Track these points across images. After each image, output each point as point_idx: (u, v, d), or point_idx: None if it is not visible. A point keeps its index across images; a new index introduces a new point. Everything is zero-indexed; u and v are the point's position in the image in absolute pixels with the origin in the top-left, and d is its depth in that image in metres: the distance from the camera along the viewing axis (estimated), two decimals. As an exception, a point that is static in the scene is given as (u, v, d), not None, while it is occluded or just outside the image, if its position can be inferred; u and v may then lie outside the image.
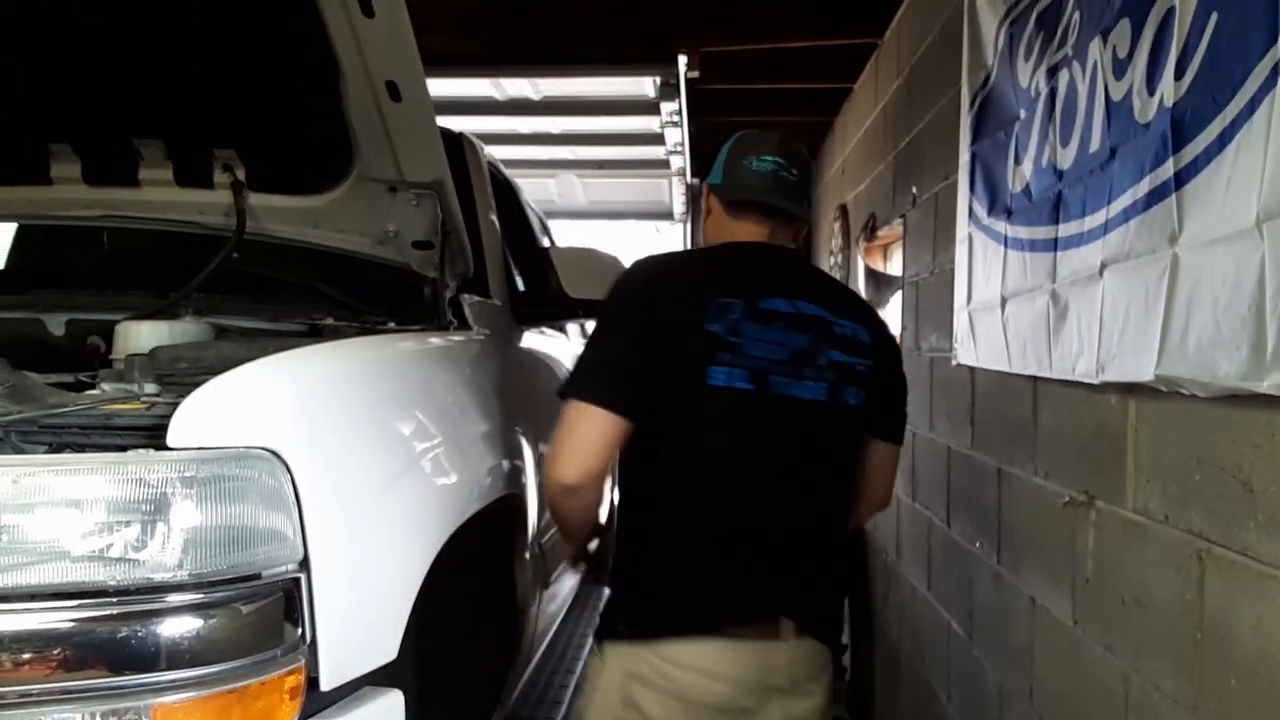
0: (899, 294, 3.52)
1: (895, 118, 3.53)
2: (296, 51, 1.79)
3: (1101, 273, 1.60)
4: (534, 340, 2.55)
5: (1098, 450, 1.64)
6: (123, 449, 1.04)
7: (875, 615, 3.69)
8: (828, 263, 5.08)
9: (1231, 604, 1.22)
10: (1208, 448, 1.28)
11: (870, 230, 3.94)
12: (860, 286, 4.10)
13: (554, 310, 2.55)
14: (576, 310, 2.51)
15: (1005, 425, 2.15)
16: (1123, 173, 1.54)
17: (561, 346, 2.86)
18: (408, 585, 1.29)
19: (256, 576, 1.02)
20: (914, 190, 3.15)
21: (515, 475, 2.03)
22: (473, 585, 2.02)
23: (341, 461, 1.18)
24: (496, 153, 4.73)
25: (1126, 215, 1.52)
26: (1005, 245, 2.10)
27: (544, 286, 2.47)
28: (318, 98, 1.79)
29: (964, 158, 2.46)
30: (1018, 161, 2.06)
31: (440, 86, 4.32)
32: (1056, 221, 1.83)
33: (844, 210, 4.63)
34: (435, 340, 1.80)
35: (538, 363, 2.49)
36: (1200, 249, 1.29)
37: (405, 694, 1.42)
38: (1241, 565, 1.20)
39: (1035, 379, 1.95)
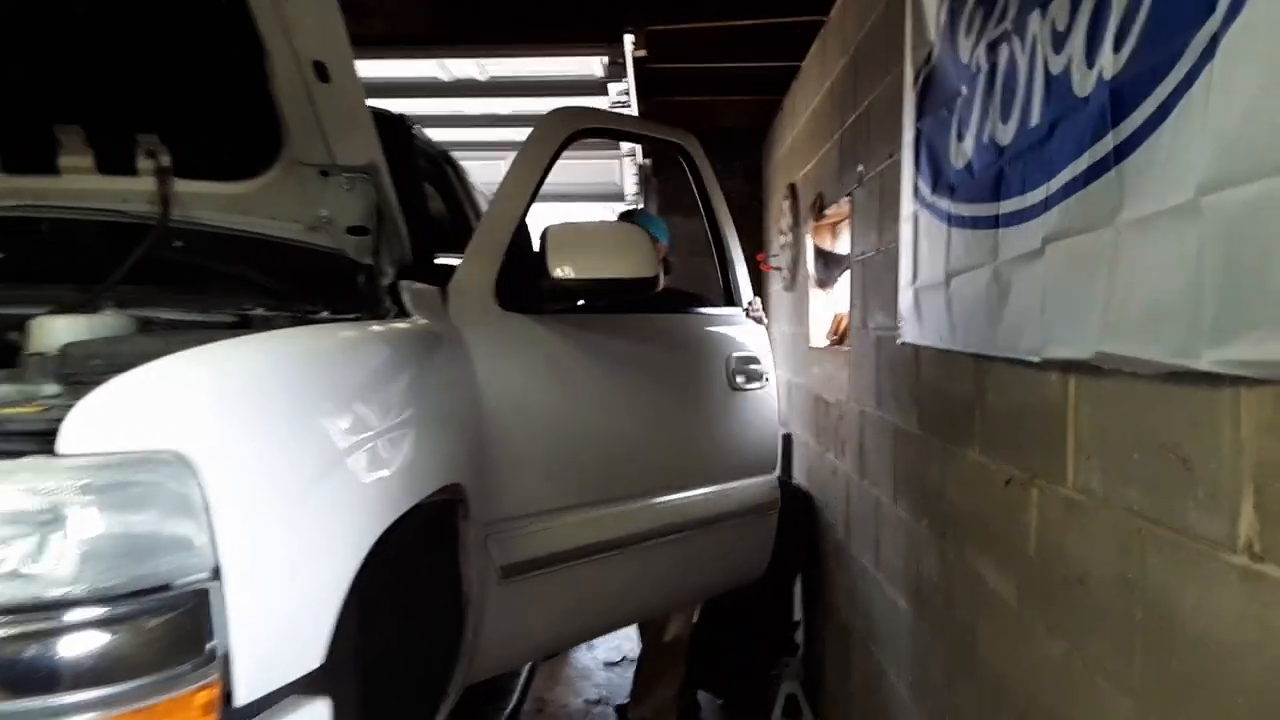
0: (847, 273, 3.51)
1: (842, 96, 3.51)
2: (220, 32, 1.72)
3: (1043, 250, 1.58)
4: (527, 329, 2.41)
5: (1039, 429, 1.63)
6: (16, 455, 0.97)
7: (826, 592, 3.70)
8: (777, 242, 5.06)
9: (1172, 584, 1.21)
10: (1147, 426, 1.27)
11: (818, 209, 3.92)
12: (810, 265, 4.09)
13: (551, 294, 2.42)
14: (596, 292, 2.40)
15: (950, 404, 2.14)
16: (1063, 148, 1.52)
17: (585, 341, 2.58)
18: (334, 588, 1.24)
19: (164, 588, 0.96)
20: (860, 169, 3.13)
21: (458, 464, 1.98)
22: (415, 578, 1.97)
23: (258, 462, 1.11)
24: (444, 135, 4.66)
25: (1067, 191, 1.50)
26: (949, 223, 2.08)
27: (534, 270, 2.37)
28: (243, 80, 1.73)
29: (908, 135, 2.44)
30: (960, 138, 2.04)
31: (383, 68, 4.24)
32: (998, 198, 1.81)
33: (793, 189, 4.62)
34: (367, 329, 1.74)
35: (515, 351, 2.38)
36: (1140, 224, 1.28)
37: (346, 695, 1.38)
38: (1181, 545, 1.19)
39: (979, 357, 1.94)
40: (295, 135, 1.79)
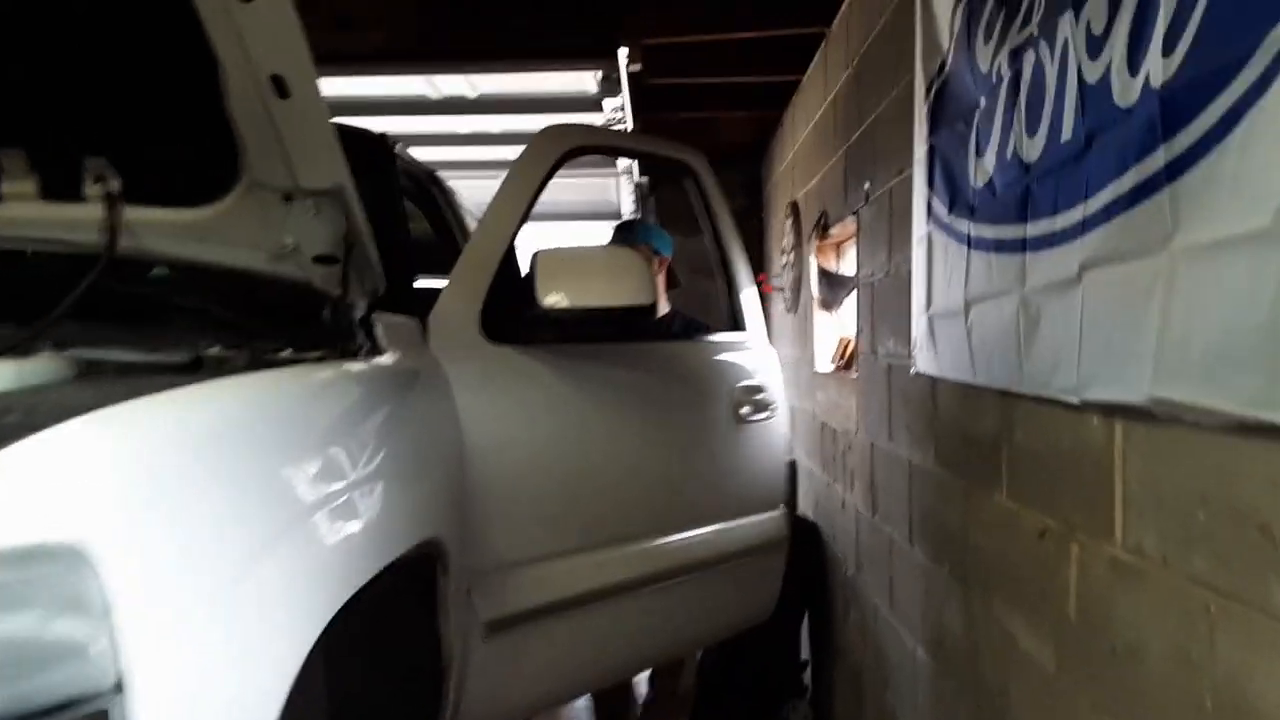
0: (854, 295, 3.34)
1: (846, 110, 3.35)
2: (169, 45, 1.57)
3: (1080, 277, 1.42)
4: (516, 362, 2.24)
5: (1079, 477, 1.47)
6: None
7: (835, 631, 3.52)
8: (779, 262, 4.90)
9: (1250, 669, 1.04)
10: (1215, 484, 1.10)
11: (822, 228, 3.77)
12: (814, 286, 3.93)
13: (541, 323, 2.26)
14: (593, 322, 2.24)
15: (972, 442, 1.98)
16: (1102, 165, 1.36)
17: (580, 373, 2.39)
18: (277, 677, 1.07)
19: (56, 709, 0.79)
20: (867, 186, 2.97)
21: (436, 516, 1.81)
22: (389, 639, 1.80)
23: (178, 547, 0.94)
24: (434, 154, 4.52)
25: (1108, 213, 1.34)
26: (968, 245, 1.92)
27: (523, 298, 2.21)
28: (197, 97, 1.57)
29: (920, 151, 2.29)
30: (979, 154, 1.88)
31: (370, 85, 4.10)
32: (1025, 220, 1.65)
33: (795, 207, 4.46)
34: (331, 370, 1.58)
35: (502, 386, 2.21)
36: (1201, 252, 1.11)
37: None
38: (1261, 625, 1.02)
39: (1005, 393, 1.77)
40: (254, 156, 1.63)
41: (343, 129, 2.74)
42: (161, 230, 1.76)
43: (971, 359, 1.90)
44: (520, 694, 2.33)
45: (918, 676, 2.42)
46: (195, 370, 1.60)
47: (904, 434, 2.52)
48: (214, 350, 1.62)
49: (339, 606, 1.26)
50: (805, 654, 3.93)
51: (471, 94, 4.18)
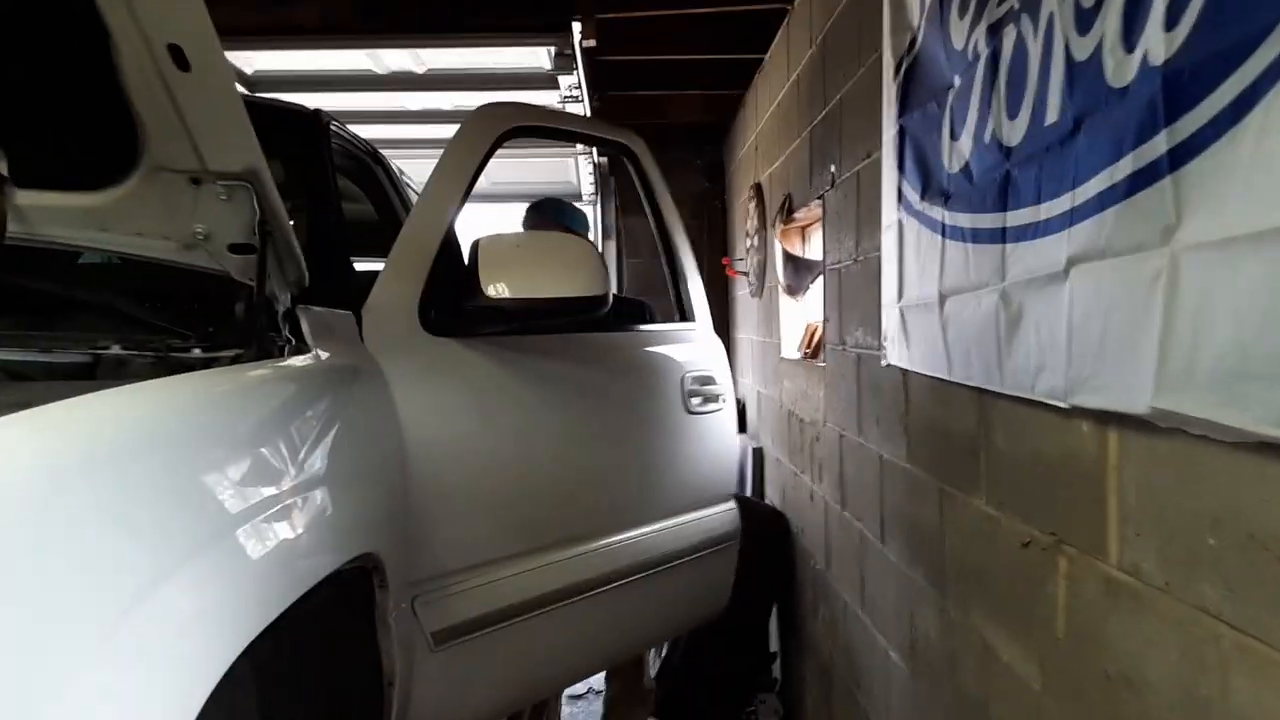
0: (819, 280, 3.23)
1: (810, 90, 3.23)
2: (52, 12, 1.40)
3: (1067, 272, 1.31)
4: (457, 356, 2.10)
5: (1068, 487, 1.36)
6: None
7: (804, 625, 3.43)
8: (743, 245, 4.78)
9: (1273, 712, 0.94)
10: (1228, 506, 1.00)
11: (787, 212, 3.65)
12: (779, 271, 3.81)
13: (484, 315, 2.11)
14: (525, 313, 2.09)
15: (947, 441, 1.87)
16: (1093, 150, 1.25)
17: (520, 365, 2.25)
18: (177, 707, 0.94)
19: None
20: (833, 169, 2.85)
21: (371, 528, 1.68)
22: (326, 660, 1.67)
23: (29, 600, 0.80)
24: (380, 132, 4.34)
25: (1101, 203, 1.22)
26: (943, 234, 1.81)
27: (464, 288, 2.07)
28: (87, 70, 1.41)
29: (889, 133, 2.17)
30: (954, 137, 1.77)
31: (308, 60, 3.91)
32: (1005, 208, 1.54)
33: (759, 190, 4.34)
34: (243, 374, 1.43)
35: (443, 381, 2.07)
36: (1210, 250, 1.00)
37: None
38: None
39: (983, 392, 1.66)
40: (154, 136, 1.47)
41: (271, 104, 2.59)
42: (58, 217, 1.60)
43: (947, 354, 1.79)
44: (472, 703, 2.21)
45: (890, 679, 2.32)
46: (89, 374, 1.46)
47: (874, 428, 2.41)
48: (114, 350, 1.48)
49: (256, 633, 1.13)
50: (774, 646, 3.85)
51: (418, 69, 4.00)
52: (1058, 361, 1.34)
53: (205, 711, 1.01)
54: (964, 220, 1.71)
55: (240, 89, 3.92)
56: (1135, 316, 1.13)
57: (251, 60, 3.96)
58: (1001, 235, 1.54)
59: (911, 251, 1.99)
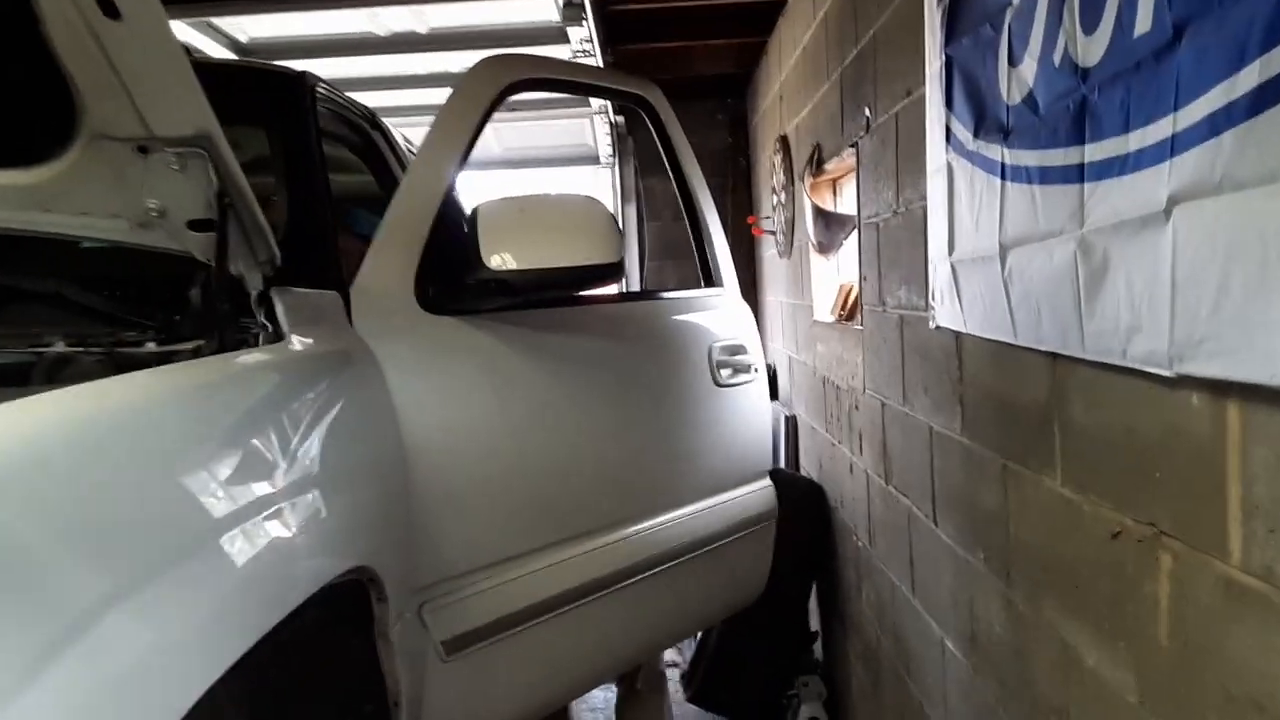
0: (855, 236, 3.00)
1: (839, 28, 2.97)
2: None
3: (1169, 212, 1.08)
4: (460, 336, 1.91)
5: (1170, 470, 1.14)
6: None
7: (846, 603, 3.23)
8: (769, 203, 4.54)
9: None
10: None
11: (816, 164, 3.40)
12: (808, 228, 3.57)
13: (487, 290, 1.91)
14: (532, 286, 1.89)
15: (1011, 413, 1.65)
16: (1201, 61, 1.02)
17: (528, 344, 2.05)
18: None
19: None
20: (867, 113, 2.61)
21: (366, 539, 1.49)
22: (323, 681, 1.50)
23: None
24: (384, 99, 4.12)
25: (1214, 126, 1.00)
26: (1003, 176, 1.58)
27: (464, 261, 1.87)
28: (4, 24, 1.21)
29: (933, 66, 1.93)
30: (1014, 62, 1.53)
31: (304, 24, 3.70)
32: (1081, 141, 1.31)
33: (785, 142, 4.09)
34: (203, 370, 1.23)
35: (445, 364, 1.88)
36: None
37: None
38: None
39: (1056, 357, 1.44)
40: (90, 97, 1.27)
41: (249, 66, 2.38)
42: None
43: (1011, 314, 1.56)
44: (491, 715, 2.03)
45: (947, 670, 2.12)
46: (25, 376, 1.27)
47: (922, 396, 2.19)
48: (57, 347, 1.29)
49: (223, 668, 0.97)
50: (814, 625, 3.66)
51: (421, 29, 3.78)
52: (1157, 321, 1.11)
53: None
54: (1029, 159, 1.48)
55: (231, 55, 3.73)
56: (1267, 265, 0.91)
57: (245, 27, 3.76)
58: (1078, 173, 1.32)
59: (964, 198, 1.76)
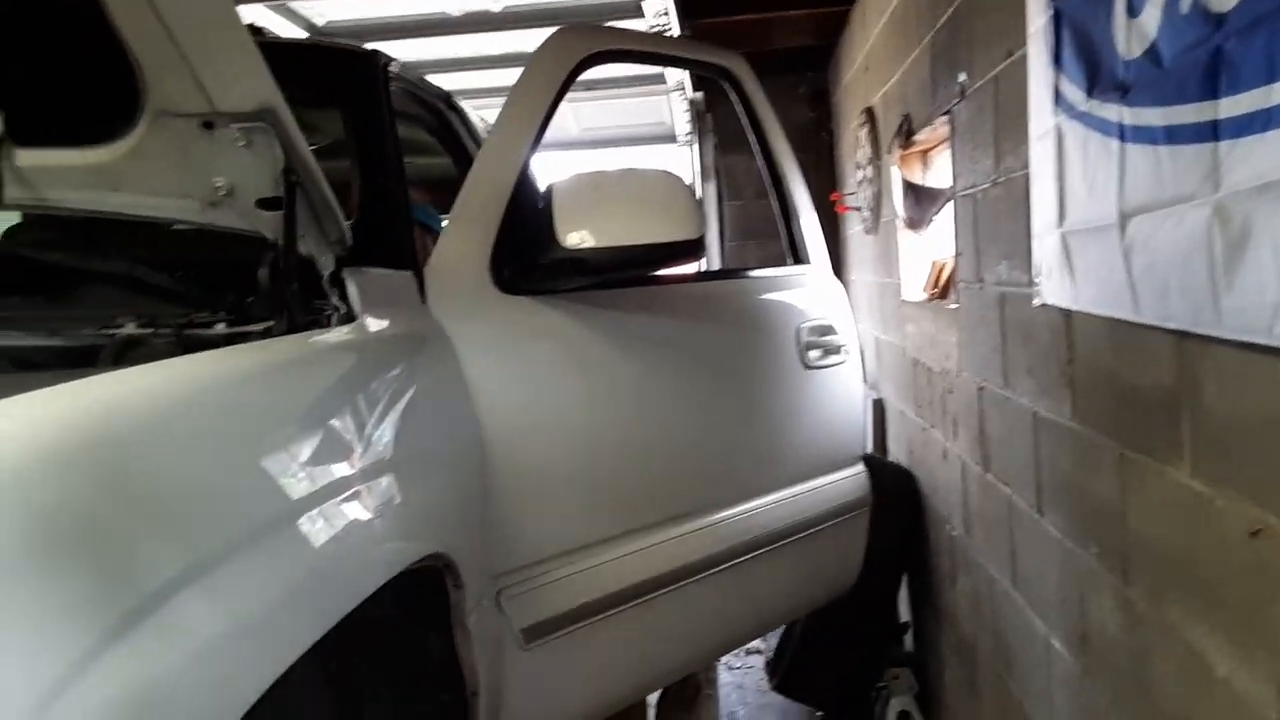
0: (947, 210, 2.86)
1: (929, -10, 2.83)
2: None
3: (1329, 170, 0.95)
4: (536, 316, 1.86)
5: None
6: None
7: (939, 595, 3.10)
8: (854, 178, 4.39)
9: None
10: None
11: (905, 135, 3.26)
12: (897, 203, 3.43)
13: (563, 269, 1.85)
14: (608, 265, 1.82)
15: (1130, 397, 1.52)
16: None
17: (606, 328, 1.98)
18: None
19: None
20: (962, 78, 2.47)
21: (441, 525, 1.44)
22: (401, 670, 1.46)
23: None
24: (460, 80, 4.08)
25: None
26: (1121, 137, 1.44)
27: (540, 240, 1.81)
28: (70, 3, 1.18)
29: (1038, 22, 1.79)
30: (1133, 12, 1.40)
31: (377, 5, 3.68)
32: (1215, 95, 1.18)
33: (870, 114, 3.94)
34: (274, 352, 1.19)
35: (521, 346, 1.82)
36: None
37: None
38: None
39: (1185, 335, 1.31)
40: (152, 73, 1.23)
41: (321, 45, 2.34)
42: (64, 177, 1.39)
43: (1131, 289, 1.43)
44: (571, 706, 1.98)
45: (1052, 670, 1.99)
46: (93, 358, 1.25)
47: (1025, 379, 2.06)
48: (129, 328, 1.26)
49: (293, 658, 0.94)
50: (904, 616, 3.53)
51: (495, 7, 3.71)
52: (1315, 294, 0.99)
53: None
54: (1152, 117, 1.35)
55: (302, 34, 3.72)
56: None
57: (321, 10, 3.75)
58: (1211, 131, 1.18)
59: (1076, 163, 1.63)
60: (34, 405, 0.83)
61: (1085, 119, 1.57)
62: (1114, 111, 1.46)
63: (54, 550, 0.72)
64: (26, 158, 1.36)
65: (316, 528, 1.08)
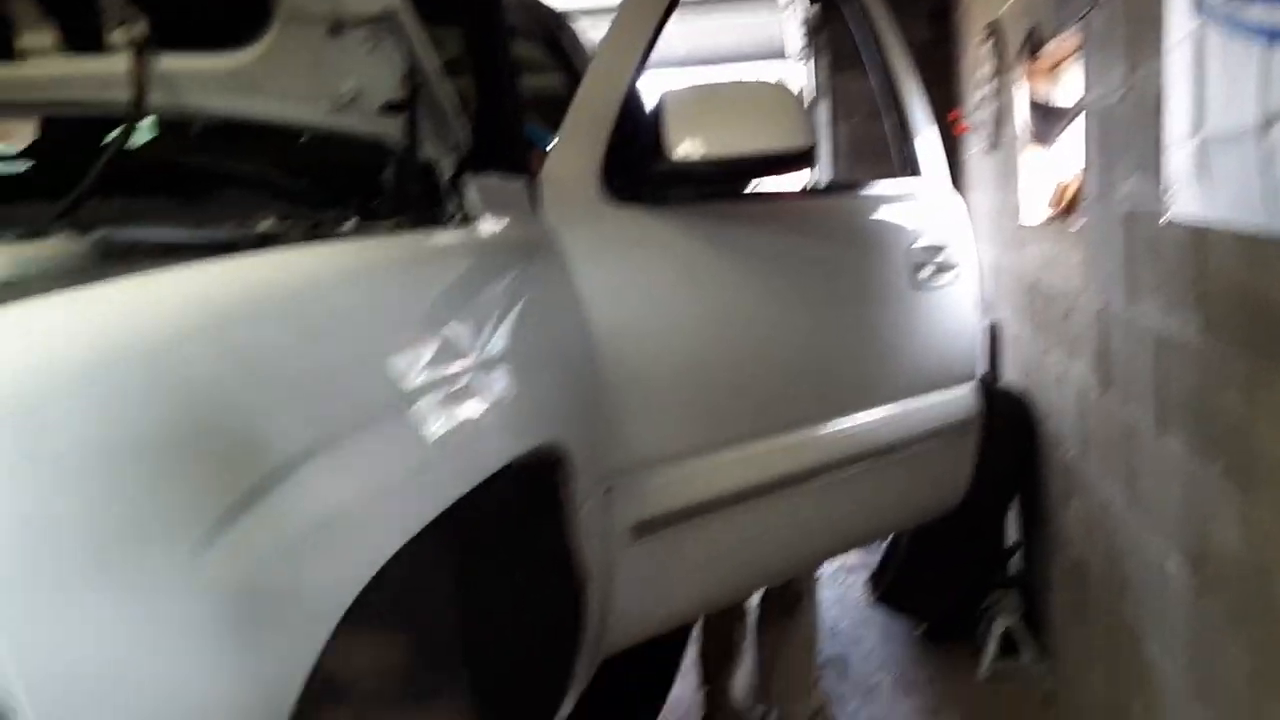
0: (1073, 127, 2.75)
1: (1063, -109, 2.69)
2: None
3: None
4: (647, 226, 1.87)
5: None
6: None
7: (1050, 518, 3.06)
8: (974, 98, 4.25)
9: None
10: None
11: (1032, 49, 3.13)
12: (1020, 120, 3.32)
13: (673, 178, 1.87)
14: (717, 175, 1.84)
15: (1261, 310, 1.47)
16: None
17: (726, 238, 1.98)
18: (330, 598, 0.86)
19: None
20: (1095, -16, 2.36)
21: (553, 417, 1.49)
22: (515, 557, 1.52)
23: (87, 512, 0.65)
24: (570, 3, 4.06)
25: None
26: (1268, 39, 1.37)
27: (649, 152, 1.83)
28: None
29: (1181, -81, 1.70)
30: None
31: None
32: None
33: (994, 29, 3.79)
34: (403, 246, 1.24)
35: (631, 255, 1.85)
36: None
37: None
38: None
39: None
40: None
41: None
42: (204, 83, 1.45)
43: (1272, 197, 1.37)
44: (675, 601, 2.04)
45: (1167, 591, 1.96)
46: (234, 250, 1.32)
47: (1151, 297, 2.00)
48: (267, 224, 1.33)
49: (417, 529, 1.02)
50: (1011, 539, 3.50)
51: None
52: None
53: (360, 610, 0.91)
54: (1303, 15, 1.28)
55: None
56: None
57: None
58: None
59: (1216, 68, 1.55)
60: (176, 283, 0.88)
61: (1227, 20, 1.50)
62: (1258, 12, 1.39)
63: (193, 419, 0.77)
64: (167, 63, 1.42)
65: (434, 411, 1.13)
